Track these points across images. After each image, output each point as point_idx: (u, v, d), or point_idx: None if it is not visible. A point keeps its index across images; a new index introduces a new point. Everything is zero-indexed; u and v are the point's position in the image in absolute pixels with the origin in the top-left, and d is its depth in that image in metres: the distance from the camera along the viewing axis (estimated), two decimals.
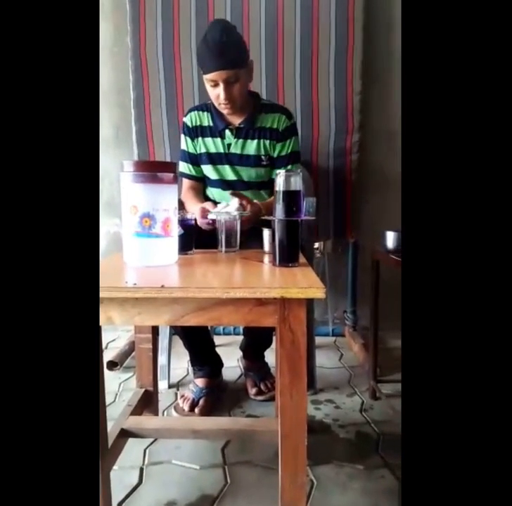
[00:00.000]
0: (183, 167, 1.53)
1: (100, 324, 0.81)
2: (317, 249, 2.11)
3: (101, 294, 0.77)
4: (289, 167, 1.45)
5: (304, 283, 0.79)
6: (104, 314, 0.80)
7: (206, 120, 1.48)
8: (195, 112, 1.49)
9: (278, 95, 1.97)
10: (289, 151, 1.47)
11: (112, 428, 1.07)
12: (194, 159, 1.52)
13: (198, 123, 1.49)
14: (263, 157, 1.46)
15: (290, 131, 1.47)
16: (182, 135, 1.53)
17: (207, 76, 1.32)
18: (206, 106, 1.49)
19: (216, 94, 1.34)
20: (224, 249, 1.16)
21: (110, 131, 2.17)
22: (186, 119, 1.50)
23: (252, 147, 1.46)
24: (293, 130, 1.48)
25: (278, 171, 0.96)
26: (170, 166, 0.98)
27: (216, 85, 1.33)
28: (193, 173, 1.53)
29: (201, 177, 1.54)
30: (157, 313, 0.80)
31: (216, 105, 1.41)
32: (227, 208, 1.22)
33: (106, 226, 2.24)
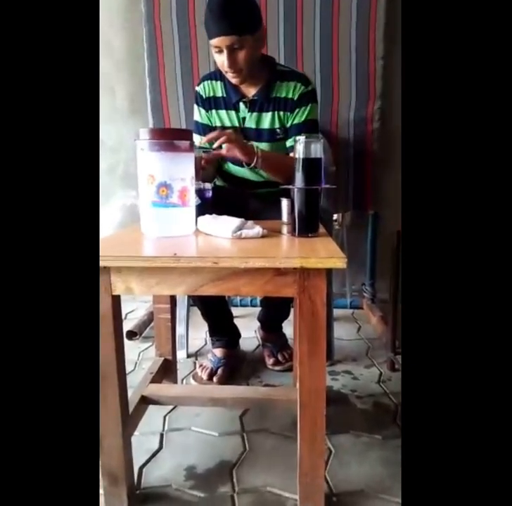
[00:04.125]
0: (196, 140, 1.42)
1: (119, 293, 0.82)
2: (336, 221, 2.08)
3: (120, 264, 0.77)
4: None
5: (324, 253, 0.78)
6: (123, 284, 0.80)
7: (219, 90, 1.40)
8: (208, 81, 1.41)
9: (297, 61, 1.90)
10: (303, 119, 1.35)
11: (132, 395, 1.09)
12: (207, 131, 1.42)
13: (212, 94, 1.41)
14: (278, 130, 1.38)
15: (307, 97, 1.35)
16: (195, 106, 1.46)
17: (211, 42, 1.24)
18: (220, 74, 1.39)
19: (221, 61, 1.27)
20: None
21: (124, 101, 2.14)
22: (199, 89, 1.43)
23: (266, 120, 1.38)
24: (310, 97, 1.36)
25: (297, 137, 0.92)
26: (187, 134, 0.96)
27: (220, 51, 1.24)
28: (206, 146, 1.42)
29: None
30: (175, 283, 0.79)
31: (223, 72, 1.33)
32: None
33: (122, 199, 2.24)
